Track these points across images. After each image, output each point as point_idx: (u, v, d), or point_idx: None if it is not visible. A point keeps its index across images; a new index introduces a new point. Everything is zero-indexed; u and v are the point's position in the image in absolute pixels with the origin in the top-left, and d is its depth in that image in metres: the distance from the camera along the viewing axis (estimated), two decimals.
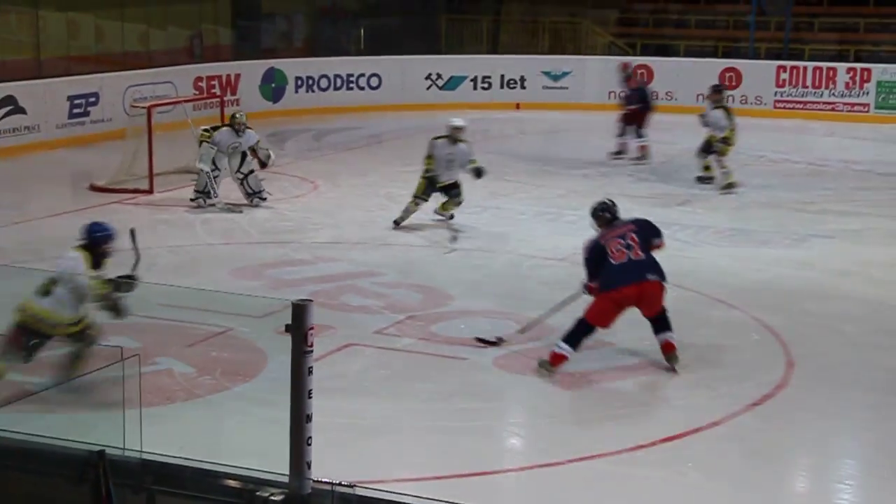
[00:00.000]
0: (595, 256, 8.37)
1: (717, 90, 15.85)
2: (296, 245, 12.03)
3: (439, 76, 21.70)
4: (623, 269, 8.23)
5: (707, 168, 15.32)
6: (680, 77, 21.84)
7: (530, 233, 12.73)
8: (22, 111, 16.27)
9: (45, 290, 7.48)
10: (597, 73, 22.10)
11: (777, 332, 9.38)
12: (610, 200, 8.77)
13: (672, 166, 16.68)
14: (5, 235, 11.96)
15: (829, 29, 23.62)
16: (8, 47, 18.26)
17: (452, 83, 21.79)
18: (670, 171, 16.30)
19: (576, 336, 8.31)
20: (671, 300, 10.43)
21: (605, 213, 8.60)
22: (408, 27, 24.42)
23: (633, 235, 8.33)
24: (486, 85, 21.92)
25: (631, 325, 9.64)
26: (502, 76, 21.95)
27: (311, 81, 20.99)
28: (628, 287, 8.25)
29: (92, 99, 17.36)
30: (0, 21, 18.47)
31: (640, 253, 8.29)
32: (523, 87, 21.98)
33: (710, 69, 21.77)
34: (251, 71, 20.29)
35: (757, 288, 10.74)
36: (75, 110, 17.12)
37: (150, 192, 14.06)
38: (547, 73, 21.95)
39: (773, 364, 8.68)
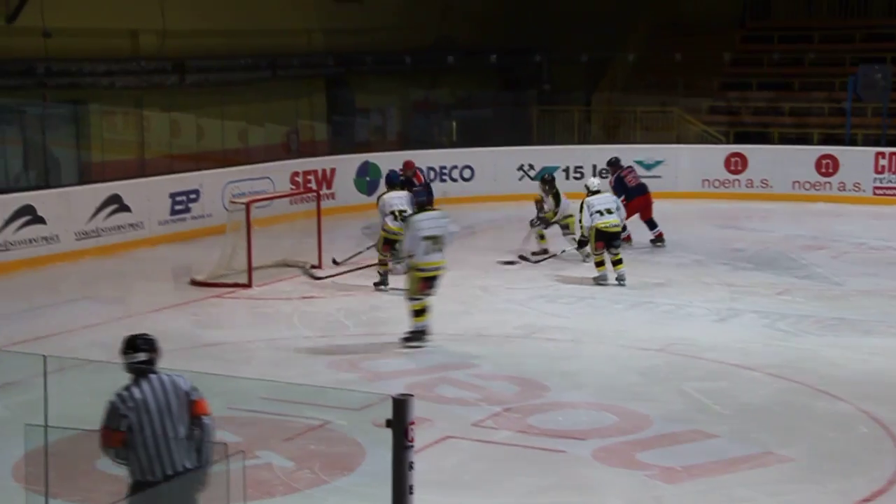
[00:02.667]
0: None
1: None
2: (392, 337, 12.07)
3: (531, 167, 21.83)
4: None
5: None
6: (775, 165, 21.65)
7: (625, 322, 12.61)
8: (127, 209, 16.73)
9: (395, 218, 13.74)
10: (690, 162, 22.03)
11: (886, 425, 9.09)
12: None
13: (769, 255, 16.45)
14: (109, 331, 12.18)
15: None
16: (114, 147, 18.86)
17: (544, 173, 21.85)
18: (768, 260, 16.07)
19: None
20: (774, 391, 10.17)
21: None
22: (499, 119, 24.68)
23: None
24: (578, 175, 21.97)
25: (736, 416, 9.43)
26: (594, 166, 21.97)
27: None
28: None
29: (193, 196, 17.80)
30: (107, 122, 19.12)
31: None
32: None
33: (806, 156, 21.57)
34: (346, 165, 20.64)
35: (862, 379, 10.45)
36: (177, 207, 17.56)
37: (249, 286, 14.28)
38: (639, 162, 21.90)
39: (884, 458, 8.40)
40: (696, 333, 12.03)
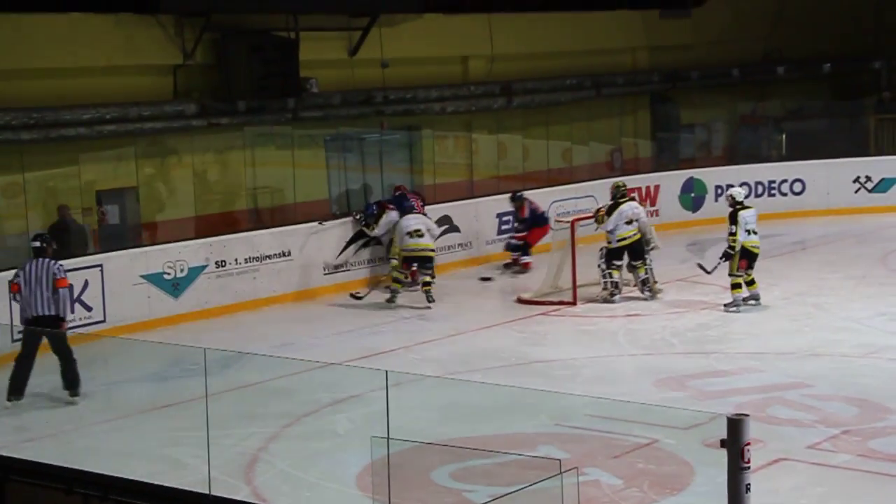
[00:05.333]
0: None
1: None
2: (720, 355, 11.83)
3: (868, 179, 20.71)
4: None
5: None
6: None
7: None
8: (456, 230, 17.32)
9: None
10: None
11: None
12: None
13: None
14: (442, 347, 12.69)
15: None
16: (445, 170, 19.58)
17: (883, 185, 20.69)
18: None
19: None
20: None
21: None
22: (833, 129, 23.60)
23: None
24: None
25: None
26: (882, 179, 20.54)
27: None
28: None
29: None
30: (438, 146, 19.89)
31: None
32: None
33: None
34: (670, 181, 20.39)
35: None
36: (503, 227, 17.95)
37: (574, 303, 14.40)
38: None
39: None
40: None
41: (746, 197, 14.60)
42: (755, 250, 13.60)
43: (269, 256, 15.15)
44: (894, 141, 23.29)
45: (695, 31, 23.11)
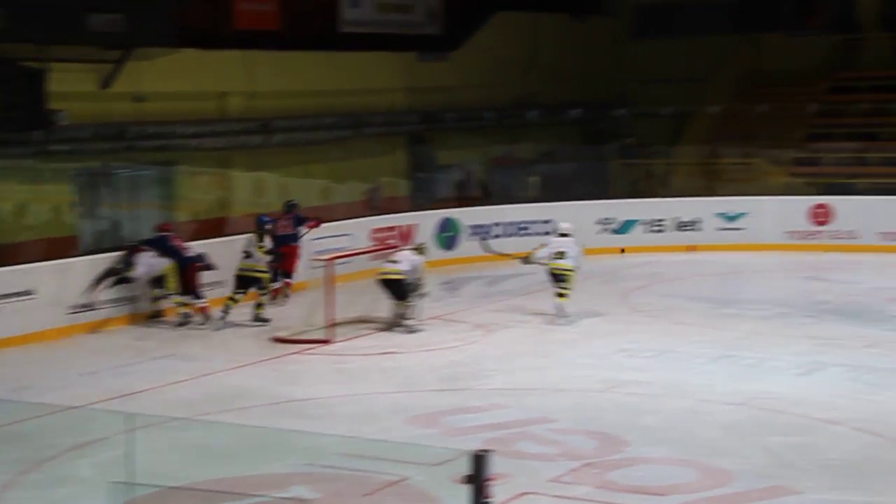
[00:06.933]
0: None
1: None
2: (470, 392, 12.08)
3: (611, 220, 21.78)
4: None
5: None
6: (861, 216, 21.30)
7: (708, 377, 12.47)
8: (210, 268, 16.99)
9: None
10: (774, 213, 21.79)
11: None
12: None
13: (856, 307, 16.14)
14: (193, 388, 12.41)
15: None
16: (200, 206, 19.25)
17: (624, 227, 21.82)
18: (855, 312, 15.77)
19: None
20: (861, 446, 9.94)
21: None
22: (580, 173, 24.69)
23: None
24: (658, 228, 21.86)
25: (821, 472, 9.24)
26: (675, 218, 21.85)
27: (485, 229, 21.33)
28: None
29: None
30: (194, 182, 19.53)
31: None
32: (698, 229, 21.81)
33: (893, 207, 21.19)
34: (426, 221, 20.76)
35: None
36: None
37: (329, 342, 14.41)
38: (722, 215, 21.76)
39: None
40: (781, 387, 11.86)
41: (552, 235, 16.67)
42: (556, 270, 15.40)
43: (8, 295, 14.42)
44: (634, 185, 24.61)
45: (451, 74, 23.74)
